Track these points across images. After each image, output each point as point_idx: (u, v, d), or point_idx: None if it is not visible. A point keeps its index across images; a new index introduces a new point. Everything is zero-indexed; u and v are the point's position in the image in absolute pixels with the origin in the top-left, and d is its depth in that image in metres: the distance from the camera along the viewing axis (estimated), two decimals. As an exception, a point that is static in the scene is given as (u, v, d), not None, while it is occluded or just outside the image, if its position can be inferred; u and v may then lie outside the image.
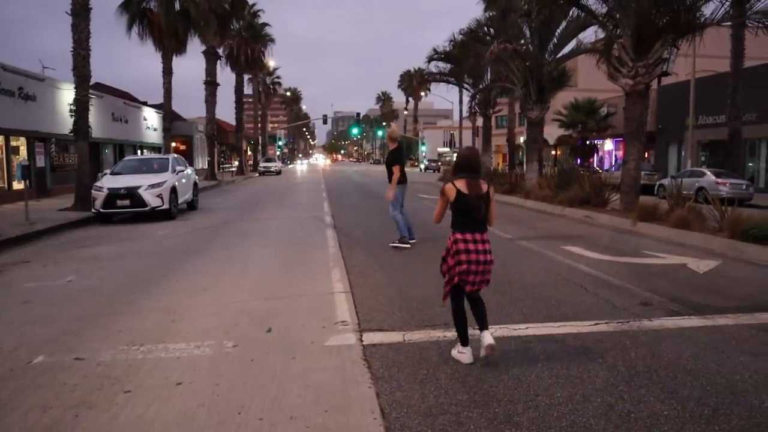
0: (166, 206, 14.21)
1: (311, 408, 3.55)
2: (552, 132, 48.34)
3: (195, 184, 17.63)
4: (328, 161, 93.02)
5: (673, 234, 11.06)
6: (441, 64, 37.48)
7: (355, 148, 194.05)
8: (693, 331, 5.11)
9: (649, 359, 4.41)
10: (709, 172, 22.85)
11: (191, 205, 17.08)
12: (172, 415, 3.50)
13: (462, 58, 32.06)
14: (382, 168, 73.82)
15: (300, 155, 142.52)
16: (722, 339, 4.91)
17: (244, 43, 40.14)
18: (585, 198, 16.22)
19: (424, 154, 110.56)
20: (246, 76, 48.17)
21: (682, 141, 33.19)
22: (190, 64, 27.12)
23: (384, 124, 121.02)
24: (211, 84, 34.91)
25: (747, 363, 4.34)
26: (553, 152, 55.36)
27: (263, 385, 3.94)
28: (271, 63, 53.56)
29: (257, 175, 49.33)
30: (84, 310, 6.04)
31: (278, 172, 51.09)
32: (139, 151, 31.48)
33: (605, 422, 3.36)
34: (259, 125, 59.89)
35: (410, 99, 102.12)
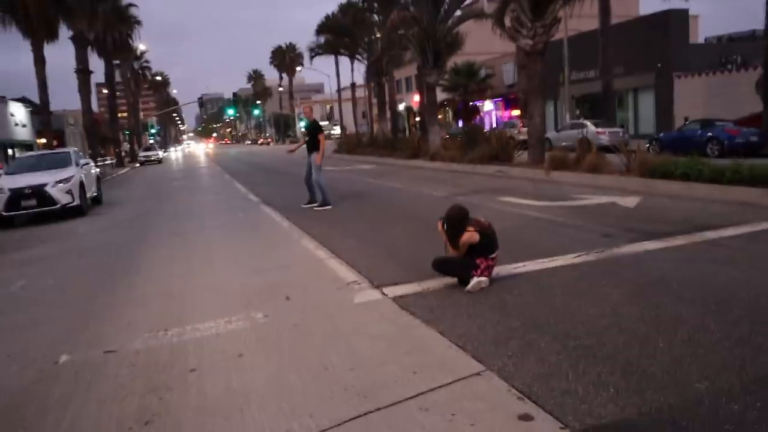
0: (77, 202, 13.27)
1: (391, 353, 3.78)
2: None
3: (98, 177, 16.53)
4: (211, 144, 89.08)
5: (586, 179, 12.20)
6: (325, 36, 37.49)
7: (228, 129, 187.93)
8: (660, 252, 5.90)
9: (641, 277, 5.08)
10: (589, 124, 24.93)
11: (96, 200, 16.03)
12: (261, 382, 3.57)
13: (354, 29, 32.16)
14: (264, 148, 72.50)
15: (172, 142, 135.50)
16: (687, 255, 5.72)
17: (111, 27, 37.30)
18: (493, 154, 17.24)
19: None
20: (114, 62, 44.85)
21: (557, 96, 35.71)
22: (51, 52, 24.70)
23: (258, 102, 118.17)
24: (83, 72, 32.14)
25: (718, 270, 5.15)
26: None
27: (326, 343, 4.09)
28: (141, 47, 50.28)
29: (138, 165, 46.54)
30: (68, 310, 5.71)
31: (160, 161, 48.56)
32: (10, 150, 28.60)
33: (645, 325, 3.92)
34: (132, 114, 56.22)
35: (284, 75, 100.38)
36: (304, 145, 11.78)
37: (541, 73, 15.32)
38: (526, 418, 2.84)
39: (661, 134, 22.38)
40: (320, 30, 65.73)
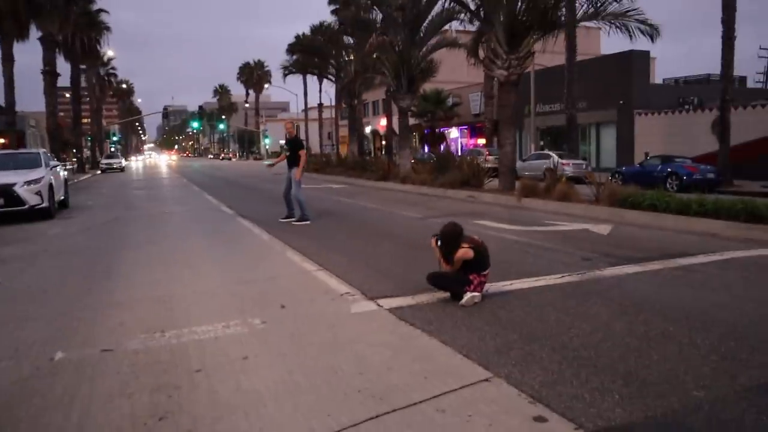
0: (45, 204, 12.93)
1: (398, 360, 3.88)
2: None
3: (66, 180, 16.15)
4: (174, 156, 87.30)
5: (557, 206, 12.60)
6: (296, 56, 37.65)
7: (190, 142, 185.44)
8: (639, 275, 6.19)
9: (625, 297, 5.33)
10: (554, 155, 25.72)
11: (63, 204, 15.64)
12: (271, 383, 3.60)
13: (325, 49, 32.47)
14: (226, 163, 71.61)
15: (133, 152, 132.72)
16: (665, 278, 6.03)
17: (80, 31, 36.64)
18: (464, 180, 17.61)
19: (267, 147, 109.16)
20: (81, 67, 43.96)
21: (522, 127, 36.66)
22: (14, 52, 23.82)
23: (223, 117, 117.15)
24: (50, 74, 31.39)
25: (695, 293, 5.46)
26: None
27: (330, 350, 4.15)
28: (110, 53, 49.47)
29: (99, 173, 45.45)
30: (52, 310, 5.57)
31: (122, 169, 47.59)
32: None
33: (637, 339, 4.14)
34: (95, 120, 54.98)
35: (250, 92, 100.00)
36: (284, 162, 11.92)
37: (514, 103, 15.80)
38: (540, 419, 2.98)
39: (624, 168, 23.24)
40: (291, 49, 66.12)
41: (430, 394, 3.30)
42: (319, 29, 61.22)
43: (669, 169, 19.81)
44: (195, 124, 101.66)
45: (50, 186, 13.30)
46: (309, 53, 40.02)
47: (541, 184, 14.38)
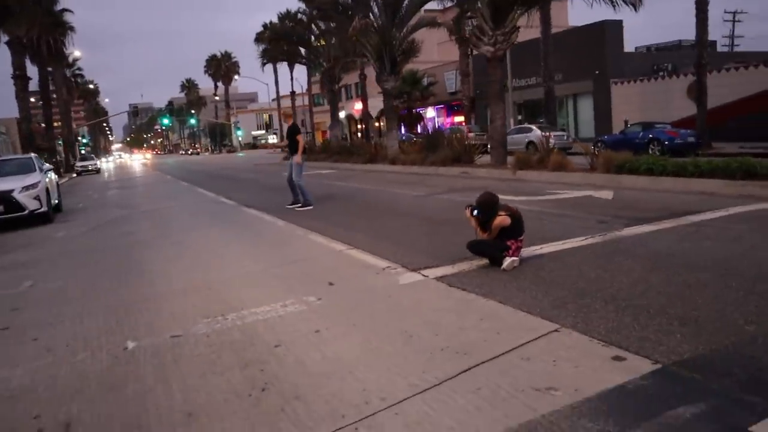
0: (44, 208, 12.88)
1: (466, 321, 4.14)
2: (375, 104, 50.77)
3: (58, 184, 16.03)
4: (148, 155, 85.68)
5: (554, 176, 12.98)
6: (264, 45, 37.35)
7: (159, 139, 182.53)
8: (656, 233, 6.56)
9: (651, 252, 5.68)
10: (535, 128, 26.15)
11: (57, 207, 15.53)
12: (354, 351, 3.81)
13: (296, 37, 32.31)
14: (200, 158, 70.63)
15: (102, 153, 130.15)
16: (681, 234, 6.41)
17: (46, 32, 35.76)
18: (455, 157, 17.92)
19: (240, 139, 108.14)
20: (48, 69, 42.96)
21: (499, 103, 37.07)
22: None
23: (193, 111, 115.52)
24: (21, 78, 30.71)
25: (713, 245, 5.85)
26: (377, 124, 58.08)
27: (396, 317, 4.38)
28: (76, 53, 48.40)
29: (75, 176, 44.72)
30: (99, 305, 5.64)
31: (98, 171, 46.89)
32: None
33: (676, 287, 4.48)
34: (65, 123, 53.88)
35: (219, 84, 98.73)
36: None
37: (501, 79, 16.10)
38: (618, 359, 3.28)
39: (605, 136, 23.79)
40: (260, 38, 65.32)
41: (509, 346, 3.58)
42: (287, 16, 60.69)
43: (650, 135, 20.38)
44: (165, 121, 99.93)
45: (47, 190, 13.25)
46: (281, 41, 39.65)
47: (535, 156, 14.75)
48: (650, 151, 19.31)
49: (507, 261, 5.41)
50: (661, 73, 29.18)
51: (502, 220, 5.49)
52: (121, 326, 4.95)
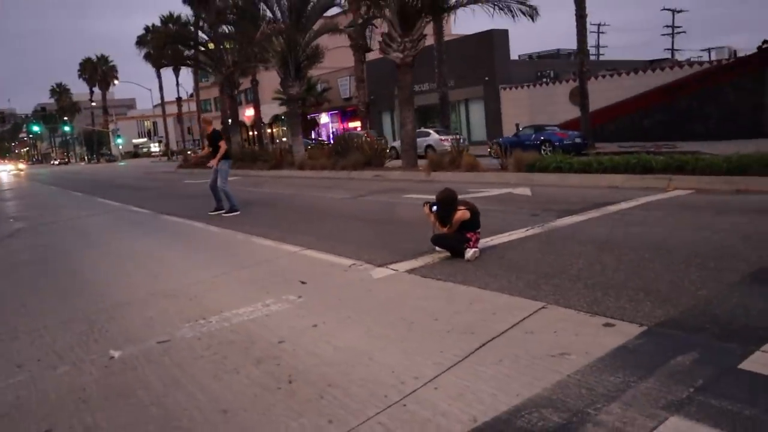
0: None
1: (457, 306, 4.44)
2: (267, 111, 50.24)
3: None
4: (21, 165, 77.56)
5: (468, 177, 13.72)
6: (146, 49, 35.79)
7: (25, 149, 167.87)
8: (588, 222, 7.30)
9: (592, 238, 6.34)
10: (433, 132, 27.24)
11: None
12: (363, 339, 3.97)
13: (187, 41, 31.30)
14: (74, 167, 65.46)
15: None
16: (610, 222, 7.19)
17: None
18: (367, 161, 18.32)
19: (120, 147, 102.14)
20: None
21: (393, 108, 38.06)
22: None
23: (65, 118, 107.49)
24: None
25: (642, 230, 6.64)
26: (269, 130, 57.41)
27: (388, 308, 4.59)
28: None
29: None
30: (56, 318, 5.28)
31: (-40, 185, 42.47)
32: None
33: (628, 266, 5.09)
34: None
35: (95, 89, 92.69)
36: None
37: (411, 84, 16.73)
38: (609, 325, 3.75)
39: (501, 138, 25.28)
40: (141, 41, 62.11)
41: (509, 324, 3.95)
42: (170, 19, 58.23)
43: (542, 137, 22.00)
44: (35, 128, 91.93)
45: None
46: (168, 44, 38.09)
47: (446, 158, 15.48)
48: (542, 152, 20.81)
49: (469, 252, 5.82)
50: (544, 80, 31.50)
51: (462, 214, 5.89)
52: (92, 336, 4.71)
